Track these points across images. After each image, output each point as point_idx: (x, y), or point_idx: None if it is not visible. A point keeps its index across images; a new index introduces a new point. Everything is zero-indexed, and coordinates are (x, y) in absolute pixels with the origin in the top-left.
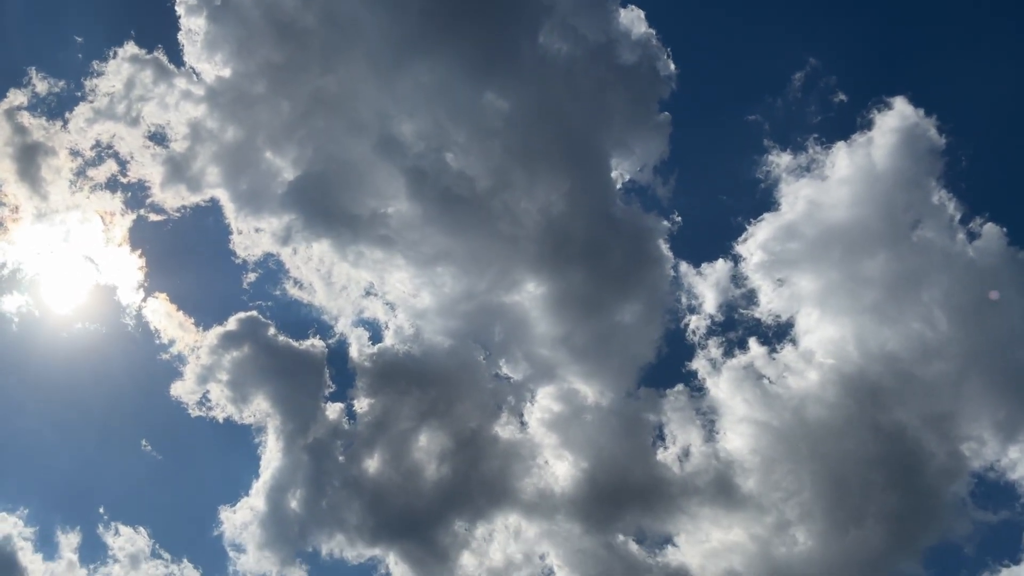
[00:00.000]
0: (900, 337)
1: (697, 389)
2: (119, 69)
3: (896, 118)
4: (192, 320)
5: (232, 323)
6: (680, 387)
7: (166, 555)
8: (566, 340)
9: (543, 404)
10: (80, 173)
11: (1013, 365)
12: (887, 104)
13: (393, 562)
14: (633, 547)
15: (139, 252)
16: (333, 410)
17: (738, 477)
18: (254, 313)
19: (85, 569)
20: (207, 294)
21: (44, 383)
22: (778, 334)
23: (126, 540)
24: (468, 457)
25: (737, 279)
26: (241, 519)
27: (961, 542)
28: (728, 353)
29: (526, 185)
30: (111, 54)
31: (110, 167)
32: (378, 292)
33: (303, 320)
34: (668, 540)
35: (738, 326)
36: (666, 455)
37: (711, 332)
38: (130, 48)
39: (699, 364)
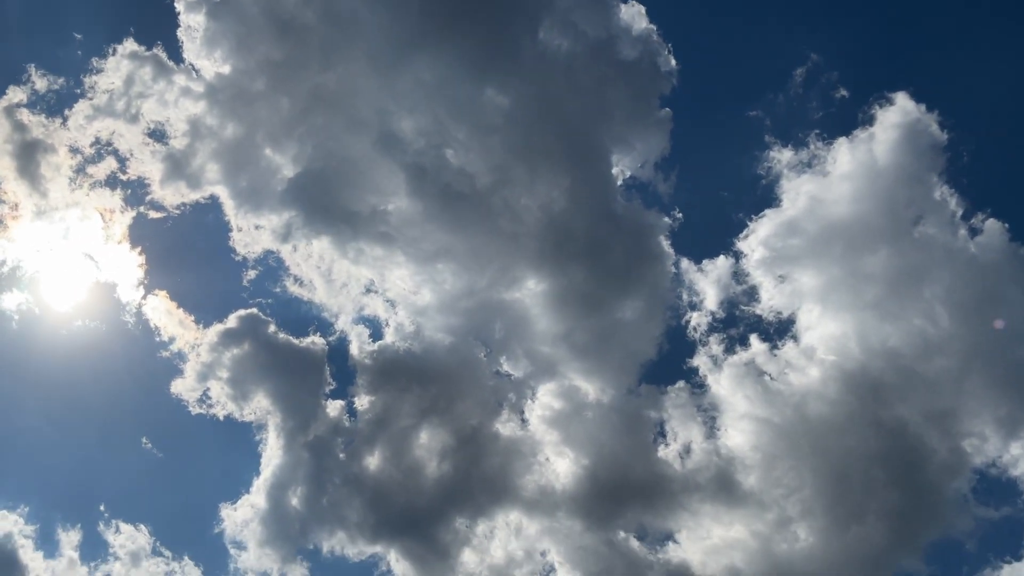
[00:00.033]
0: (902, 333)
1: (698, 386)
2: (118, 66)
3: (898, 114)
4: (192, 317)
5: (232, 320)
6: (681, 384)
7: (167, 553)
8: (567, 337)
9: (544, 401)
10: (80, 170)
11: (1015, 361)
12: (889, 100)
13: (394, 559)
14: (634, 544)
15: (139, 249)
16: (334, 407)
17: (739, 474)
18: (254, 310)
19: (86, 567)
20: (207, 291)
21: (44, 381)
22: (779, 330)
23: (127, 538)
24: (469, 454)
25: (738, 275)
26: (242, 516)
27: (963, 538)
28: (729, 350)
29: (527, 182)
30: (110, 51)
31: (110, 164)
32: (378, 289)
33: (303, 317)
34: (669, 537)
35: (739, 323)
36: (667, 452)
37: (712, 329)
38: (129, 45)
39: (700, 361)
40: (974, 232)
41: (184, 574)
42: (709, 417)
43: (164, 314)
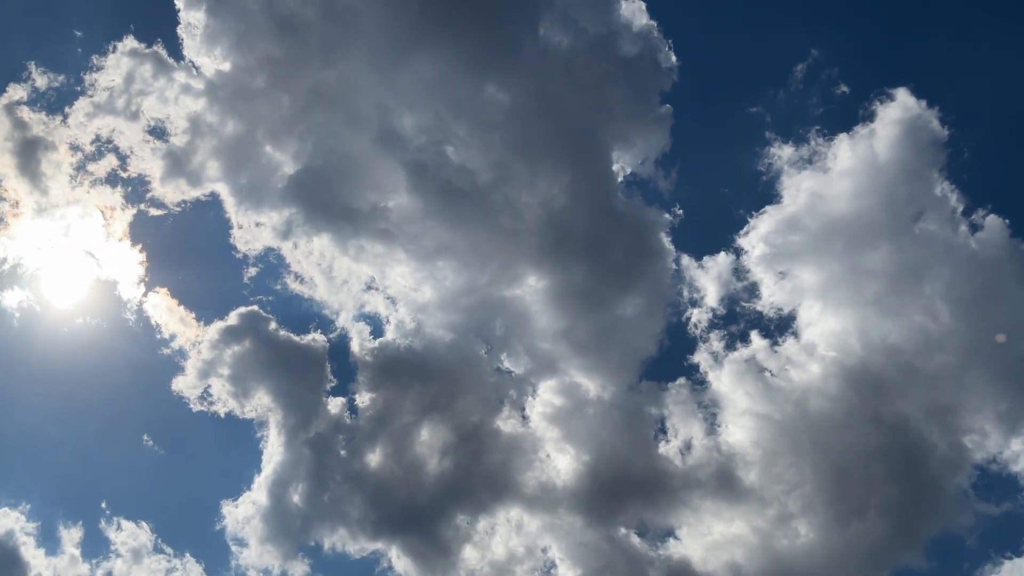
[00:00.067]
0: (902, 329)
1: (699, 382)
2: (118, 63)
3: (898, 110)
4: (193, 315)
5: (233, 318)
6: (682, 380)
7: (168, 550)
8: (568, 334)
9: (545, 398)
10: (80, 168)
11: (1015, 357)
12: (889, 95)
13: (395, 556)
14: (635, 540)
15: (140, 247)
16: (335, 404)
17: (740, 470)
18: (255, 308)
19: (88, 564)
20: (208, 289)
21: (45, 378)
22: (780, 327)
23: (128, 535)
24: (470, 451)
25: (739, 272)
26: (243, 513)
27: (963, 534)
28: (730, 346)
29: (527, 178)
30: (110, 48)
31: (110, 162)
32: (379, 286)
33: (304, 314)
34: (670, 533)
35: (740, 319)
36: (668, 448)
37: (713, 325)
38: (129, 42)
39: (701, 357)
40: (975, 228)
41: (185, 571)
42: (710, 413)
43: (165, 311)
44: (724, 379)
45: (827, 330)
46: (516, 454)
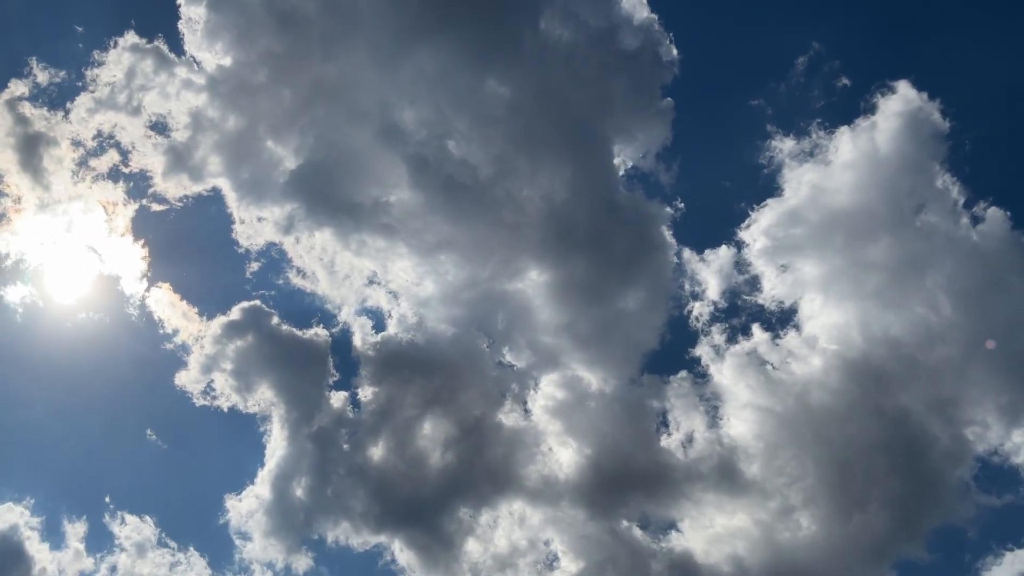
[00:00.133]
0: (904, 322)
1: (700, 375)
2: (120, 59)
3: (900, 102)
4: (196, 310)
5: (236, 313)
6: (683, 373)
7: (172, 544)
8: (569, 327)
9: (547, 391)
10: (82, 163)
11: (1017, 350)
12: (890, 88)
13: (398, 549)
14: (637, 533)
15: (142, 242)
16: (337, 399)
17: (742, 463)
18: (257, 302)
19: (92, 558)
20: (210, 284)
21: (48, 374)
22: (781, 320)
23: (132, 529)
24: (472, 445)
25: (740, 265)
26: (247, 507)
27: (965, 526)
28: (731, 339)
29: (528, 172)
30: (111, 44)
31: (112, 157)
32: (381, 281)
33: (306, 309)
34: (672, 526)
35: (741, 312)
36: (670, 441)
37: (714, 318)
38: (130, 38)
39: (702, 350)
40: (976, 220)
41: (189, 565)
42: (711, 406)
43: (167, 306)
44: (726, 372)
45: (828, 323)
46: (518, 447)
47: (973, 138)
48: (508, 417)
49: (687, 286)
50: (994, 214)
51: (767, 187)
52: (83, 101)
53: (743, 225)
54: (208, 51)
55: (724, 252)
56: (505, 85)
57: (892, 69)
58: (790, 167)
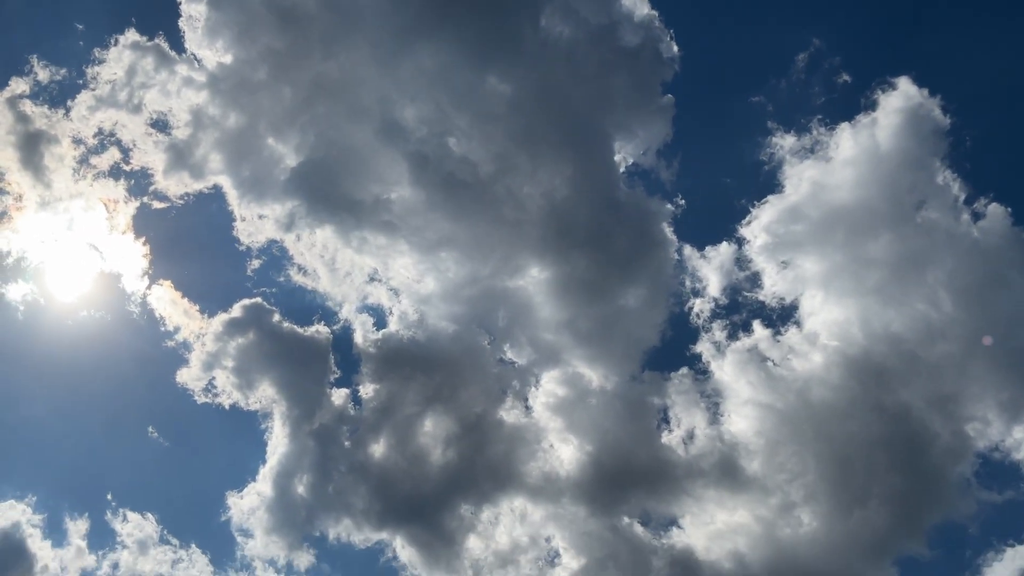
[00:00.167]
0: (904, 318)
1: (701, 372)
2: (120, 56)
3: (900, 98)
4: (197, 307)
5: (237, 310)
6: (684, 370)
7: (174, 541)
8: (570, 324)
9: (548, 388)
10: (83, 161)
11: (1018, 346)
12: (891, 84)
13: (400, 546)
14: (638, 529)
15: (143, 240)
16: (338, 396)
17: (743, 459)
18: (259, 300)
19: (94, 555)
20: (212, 281)
21: (50, 371)
22: (782, 316)
23: (134, 526)
24: (473, 441)
25: (741, 262)
26: (248, 505)
27: (966, 522)
28: (732, 336)
29: (529, 169)
30: (112, 41)
31: (113, 155)
32: (382, 278)
33: (308, 306)
34: (673, 522)
35: (742, 309)
36: (671, 438)
37: (715, 315)
38: (131, 35)
39: (703, 347)
40: (977, 217)
41: (191, 562)
42: (712, 403)
43: (169, 304)
44: (726, 369)
45: (829, 319)
46: (519, 444)
47: (974, 134)
48: (509, 414)
49: (688, 283)
50: (995, 210)
51: (768, 184)
52: (84, 99)
53: (744, 222)
54: (209, 49)
55: (725, 249)
56: (506, 82)
57: (893, 65)
58: (791, 164)
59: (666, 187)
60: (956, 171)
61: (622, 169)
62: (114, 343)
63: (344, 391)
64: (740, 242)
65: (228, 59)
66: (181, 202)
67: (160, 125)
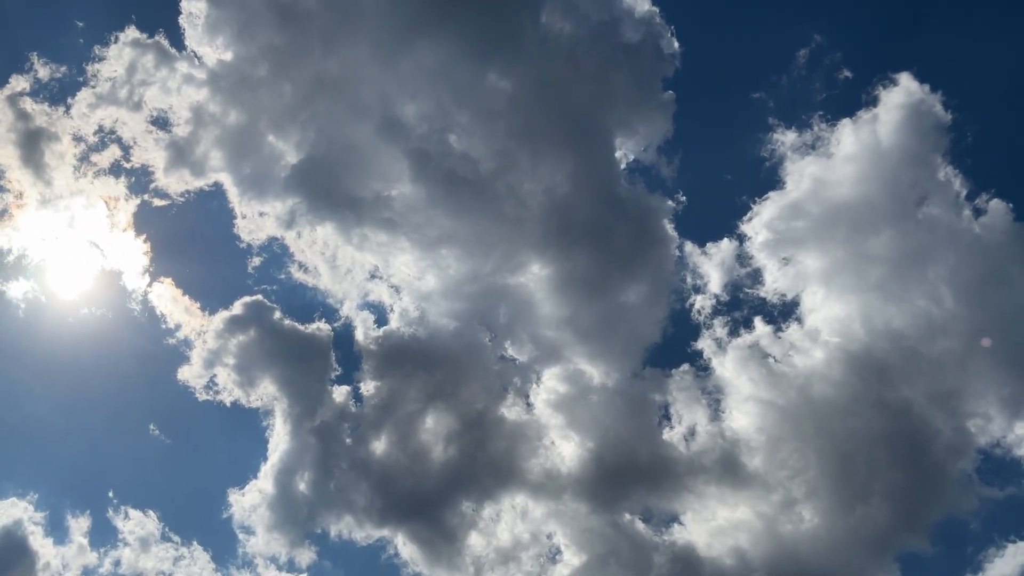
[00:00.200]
0: (906, 315)
1: (703, 368)
2: (120, 54)
3: (901, 94)
4: (198, 304)
5: (238, 307)
6: (686, 367)
7: (176, 538)
8: (571, 321)
9: (549, 385)
10: (83, 158)
11: (1019, 342)
12: (892, 80)
13: (401, 543)
14: (640, 526)
15: (144, 237)
16: (340, 393)
17: (744, 456)
18: (259, 297)
19: (96, 553)
20: (212, 278)
21: (51, 369)
22: (783, 313)
23: (136, 524)
24: (475, 438)
25: (742, 258)
26: (250, 502)
27: (967, 518)
28: (733, 332)
29: (530, 166)
30: (112, 39)
31: (113, 152)
32: (383, 275)
33: (308, 304)
34: (674, 519)
35: (743, 305)
36: (672, 434)
37: (716, 311)
38: (131, 32)
39: (704, 344)
40: (978, 212)
41: (193, 559)
42: (713, 400)
43: (170, 301)
44: (728, 365)
45: (831, 316)
46: (520, 441)
47: (975, 130)
48: (510, 411)
49: (689, 279)
50: (996, 206)
51: (769, 180)
52: (84, 96)
53: (745, 218)
54: (209, 46)
55: (726, 245)
56: (506, 79)
57: (894, 61)
58: (792, 160)
59: (667, 183)
60: (957, 167)
61: (623, 165)
62: (115, 341)
63: (345, 388)
64: (741, 238)
65: (228, 56)
66: (182, 199)
67: (160, 122)
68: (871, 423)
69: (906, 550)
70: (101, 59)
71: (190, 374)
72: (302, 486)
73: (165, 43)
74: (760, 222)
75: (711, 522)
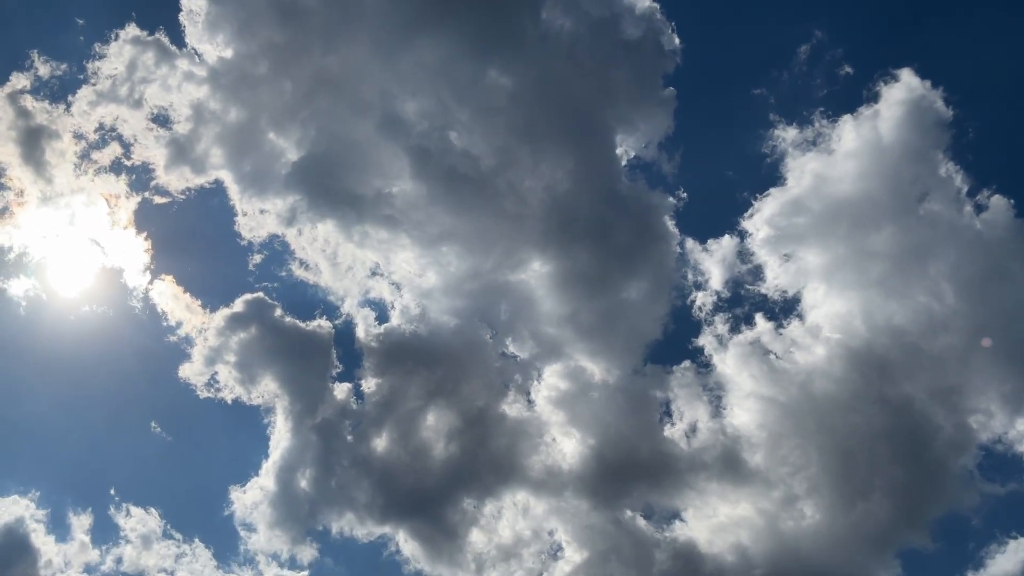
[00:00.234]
0: (907, 311)
1: (704, 365)
2: (121, 51)
3: (903, 90)
4: (199, 302)
5: (239, 305)
6: (687, 363)
7: (177, 535)
8: (572, 318)
9: (550, 382)
10: (84, 156)
11: (1020, 338)
12: (893, 76)
13: (403, 540)
14: (641, 523)
15: (145, 235)
16: (341, 390)
17: (745, 452)
18: (260, 294)
19: (97, 550)
20: (213, 276)
21: (52, 367)
22: (785, 309)
23: (137, 521)
24: (476, 435)
25: (743, 255)
26: (251, 499)
27: (969, 514)
28: (735, 329)
29: (530, 163)
30: (113, 36)
31: (114, 150)
32: (384, 272)
33: (309, 301)
34: (676, 515)
35: (744, 302)
36: (673, 431)
37: (717, 308)
38: (131, 30)
39: (706, 340)
40: (980, 209)
41: (195, 556)
42: (715, 396)
43: (171, 299)
44: (729, 362)
45: (832, 312)
46: (522, 438)
47: (976, 126)
48: (511, 408)
49: (690, 276)
50: (997, 202)
51: (770, 176)
52: (85, 94)
53: (746, 215)
54: (209, 43)
55: (727, 242)
56: (507, 76)
57: (895, 57)
58: (793, 156)
59: (668, 180)
60: (959, 163)
61: (624, 162)
62: (116, 338)
63: (346, 385)
64: (742, 235)
65: (229, 53)
66: (182, 197)
67: (161, 120)
68: (872, 419)
69: (907, 546)
70: (101, 57)
71: (191, 371)
72: (303, 483)
73: (165, 40)
74: (761, 218)
75: (712, 519)
